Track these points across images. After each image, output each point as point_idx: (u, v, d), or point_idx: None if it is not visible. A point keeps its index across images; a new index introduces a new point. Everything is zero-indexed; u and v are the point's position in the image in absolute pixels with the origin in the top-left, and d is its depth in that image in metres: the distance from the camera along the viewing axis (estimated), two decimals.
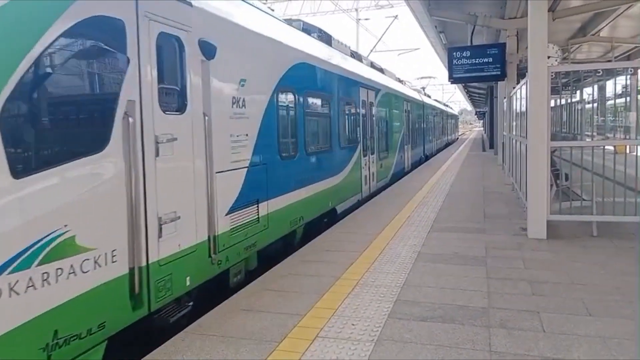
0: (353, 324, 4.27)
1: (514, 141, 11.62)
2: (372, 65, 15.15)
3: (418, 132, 21.97)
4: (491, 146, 28.08)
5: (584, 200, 7.59)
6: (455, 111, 66.10)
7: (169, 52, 4.43)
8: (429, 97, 33.91)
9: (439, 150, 31.51)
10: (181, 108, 4.55)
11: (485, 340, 3.92)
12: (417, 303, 4.75)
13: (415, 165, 20.03)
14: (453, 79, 16.88)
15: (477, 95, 52.99)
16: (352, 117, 10.94)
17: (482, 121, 69.40)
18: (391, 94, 15.52)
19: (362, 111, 11.67)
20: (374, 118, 12.83)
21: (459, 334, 4.03)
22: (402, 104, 17.48)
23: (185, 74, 4.60)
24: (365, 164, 11.76)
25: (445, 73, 19.60)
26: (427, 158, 24.49)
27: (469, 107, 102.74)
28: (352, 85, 10.79)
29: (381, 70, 16.22)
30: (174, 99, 4.48)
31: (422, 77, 47.58)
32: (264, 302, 4.87)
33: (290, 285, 5.35)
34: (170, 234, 4.29)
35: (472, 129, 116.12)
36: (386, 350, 3.79)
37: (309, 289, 5.20)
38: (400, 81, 21.32)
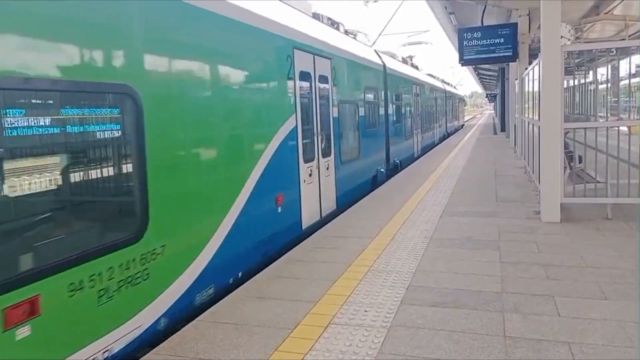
0: (366, 311, 4.27)
1: (526, 123, 11.47)
2: None
3: (370, 125, 11.75)
4: (502, 129, 27.82)
5: (598, 182, 7.48)
6: (460, 92, 49.93)
7: None
8: (417, 68, 22.79)
9: (427, 149, 20.71)
10: None
11: (500, 325, 3.90)
12: (430, 289, 4.73)
13: (358, 194, 10.33)
14: (464, 61, 16.67)
15: (487, 77, 52.33)
16: None
17: (492, 104, 68.73)
18: (239, 26, 5.67)
19: None
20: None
21: (472, 320, 4.01)
22: (310, 66, 7.72)
23: None
24: None
25: (445, 41, 19.08)
26: (398, 168, 14.36)
27: (479, 89, 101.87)
28: None
29: None
30: None
31: (409, 44, 32.00)
32: (277, 289, 4.88)
33: (302, 272, 5.36)
34: None
35: (483, 112, 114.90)
36: (399, 336, 3.78)
37: (321, 276, 5.20)
38: (348, 33, 11.78)
